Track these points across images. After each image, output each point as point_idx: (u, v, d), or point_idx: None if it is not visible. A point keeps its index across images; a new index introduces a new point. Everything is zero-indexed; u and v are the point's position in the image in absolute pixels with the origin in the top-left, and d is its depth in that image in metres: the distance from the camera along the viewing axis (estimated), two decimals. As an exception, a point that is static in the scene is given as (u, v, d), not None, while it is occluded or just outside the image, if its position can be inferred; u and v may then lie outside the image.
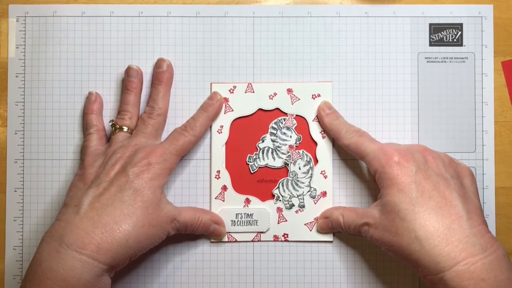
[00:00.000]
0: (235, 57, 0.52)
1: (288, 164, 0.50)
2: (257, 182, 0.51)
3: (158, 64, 0.50)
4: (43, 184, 0.51)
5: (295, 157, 0.50)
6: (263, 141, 0.51)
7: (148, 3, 0.52)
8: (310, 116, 0.51)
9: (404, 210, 0.43)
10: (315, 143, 0.51)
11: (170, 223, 0.46)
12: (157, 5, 0.52)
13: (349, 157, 0.51)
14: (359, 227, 0.46)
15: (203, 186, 0.51)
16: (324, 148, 0.50)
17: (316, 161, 0.50)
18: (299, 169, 0.50)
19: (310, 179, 0.50)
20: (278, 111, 0.51)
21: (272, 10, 0.52)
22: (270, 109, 0.51)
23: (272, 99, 0.51)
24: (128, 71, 0.50)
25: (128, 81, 0.50)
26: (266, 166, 0.51)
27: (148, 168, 0.45)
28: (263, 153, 0.51)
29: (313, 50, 0.52)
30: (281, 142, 0.51)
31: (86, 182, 0.46)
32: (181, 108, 0.51)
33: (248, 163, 0.51)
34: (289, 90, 0.51)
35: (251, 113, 0.51)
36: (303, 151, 0.50)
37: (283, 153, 0.51)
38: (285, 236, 0.50)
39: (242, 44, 0.52)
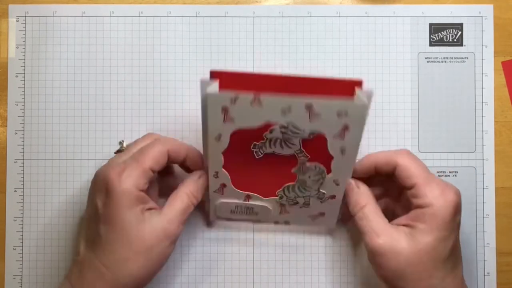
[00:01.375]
0: (235, 57, 0.52)
1: (297, 173, 0.45)
2: (261, 171, 0.45)
3: None
4: (43, 184, 0.51)
5: (306, 170, 0.45)
6: (271, 132, 0.43)
7: (148, 3, 0.52)
8: (331, 133, 0.41)
9: (438, 256, 0.42)
10: (331, 156, 0.43)
11: (165, 240, 0.42)
12: (157, 5, 0.52)
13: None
14: (371, 243, 0.43)
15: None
16: (341, 163, 0.43)
17: (330, 171, 0.44)
18: (309, 177, 0.45)
19: (320, 185, 0.45)
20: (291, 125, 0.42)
21: (272, 10, 0.52)
22: (282, 123, 0.41)
23: (285, 114, 0.40)
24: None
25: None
26: (274, 153, 0.45)
27: (108, 194, 0.41)
28: (270, 142, 0.44)
29: (313, 50, 0.52)
30: (292, 134, 0.43)
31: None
32: (180, 108, 0.51)
33: (253, 149, 0.44)
34: (308, 107, 0.40)
35: (256, 125, 0.41)
36: (316, 165, 0.44)
37: (293, 144, 0.44)
38: (286, 223, 0.49)
39: (242, 44, 0.52)
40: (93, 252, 0.42)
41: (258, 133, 0.43)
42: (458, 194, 0.43)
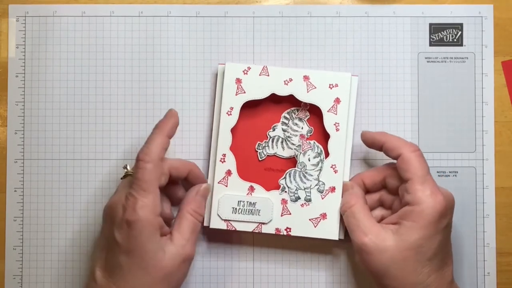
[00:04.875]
0: (235, 57, 0.52)
1: (297, 155, 0.49)
2: (264, 170, 0.50)
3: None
4: (43, 184, 0.51)
5: (306, 147, 0.49)
6: (274, 130, 0.50)
7: (148, 3, 0.52)
8: (325, 106, 0.49)
9: (423, 254, 0.43)
10: (328, 135, 0.49)
11: (183, 264, 0.43)
12: (157, 5, 0.52)
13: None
14: (358, 241, 0.44)
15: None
16: (337, 141, 0.49)
17: (327, 154, 0.49)
18: (309, 160, 0.49)
19: (319, 172, 0.48)
20: (292, 98, 0.49)
21: (272, 10, 0.52)
22: (284, 95, 0.49)
23: (287, 84, 0.49)
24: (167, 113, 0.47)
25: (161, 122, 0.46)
26: (275, 155, 0.50)
27: (129, 226, 0.42)
28: (273, 141, 0.50)
29: (313, 50, 0.52)
30: (292, 132, 0.50)
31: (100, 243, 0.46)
32: (180, 107, 0.51)
33: (257, 150, 0.50)
34: (306, 77, 0.49)
35: (264, 97, 0.49)
36: (314, 142, 0.49)
37: (293, 144, 0.50)
38: (288, 230, 0.48)
39: (242, 44, 0.52)
40: (112, 281, 0.42)
41: (262, 131, 0.50)
42: (448, 199, 0.44)
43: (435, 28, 0.52)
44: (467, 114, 0.52)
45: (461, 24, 0.52)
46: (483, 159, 0.51)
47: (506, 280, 0.51)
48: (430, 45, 0.52)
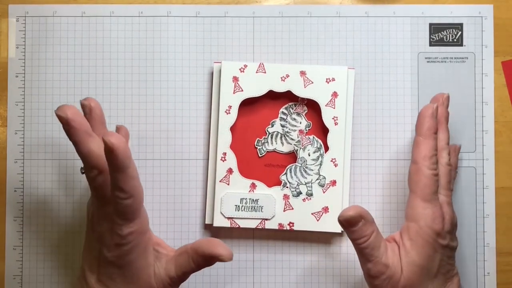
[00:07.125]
0: (235, 57, 0.52)
1: (297, 150, 0.49)
2: (264, 167, 0.50)
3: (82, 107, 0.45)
4: (43, 184, 0.51)
5: (305, 142, 0.49)
6: (272, 126, 0.51)
7: (148, 3, 0.52)
8: (323, 101, 0.50)
9: (427, 275, 0.43)
10: (327, 130, 0.49)
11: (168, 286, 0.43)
12: (157, 5, 0.52)
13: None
14: (373, 270, 0.43)
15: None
16: (336, 135, 0.49)
17: (327, 148, 0.49)
18: (309, 155, 0.49)
19: (320, 167, 0.49)
20: (289, 94, 0.50)
21: (272, 10, 0.52)
22: (281, 91, 0.50)
23: (284, 81, 0.49)
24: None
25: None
26: (274, 150, 0.51)
27: (119, 248, 0.41)
28: (272, 137, 0.50)
29: (313, 50, 0.52)
30: (291, 127, 0.50)
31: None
32: (180, 107, 0.51)
33: (256, 146, 0.50)
34: (302, 73, 0.50)
35: (261, 94, 0.50)
36: (313, 137, 0.49)
37: (292, 139, 0.50)
38: (291, 224, 0.49)
39: (242, 44, 0.52)
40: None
41: (261, 128, 0.50)
42: (444, 219, 0.44)
43: (435, 28, 0.52)
44: (467, 114, 0.52)
45: (461, 24, 0.52)
46: (483, 159, 0.51)
47: (506, 280, 0.51)
48: (430, 45, 0.52)
